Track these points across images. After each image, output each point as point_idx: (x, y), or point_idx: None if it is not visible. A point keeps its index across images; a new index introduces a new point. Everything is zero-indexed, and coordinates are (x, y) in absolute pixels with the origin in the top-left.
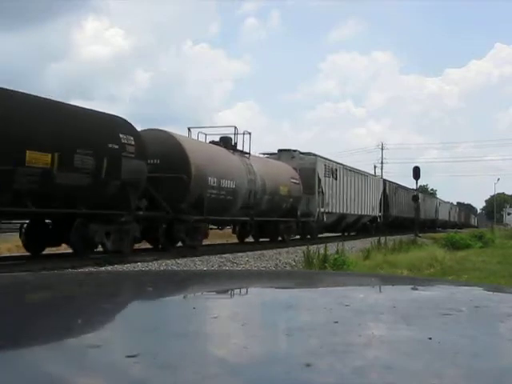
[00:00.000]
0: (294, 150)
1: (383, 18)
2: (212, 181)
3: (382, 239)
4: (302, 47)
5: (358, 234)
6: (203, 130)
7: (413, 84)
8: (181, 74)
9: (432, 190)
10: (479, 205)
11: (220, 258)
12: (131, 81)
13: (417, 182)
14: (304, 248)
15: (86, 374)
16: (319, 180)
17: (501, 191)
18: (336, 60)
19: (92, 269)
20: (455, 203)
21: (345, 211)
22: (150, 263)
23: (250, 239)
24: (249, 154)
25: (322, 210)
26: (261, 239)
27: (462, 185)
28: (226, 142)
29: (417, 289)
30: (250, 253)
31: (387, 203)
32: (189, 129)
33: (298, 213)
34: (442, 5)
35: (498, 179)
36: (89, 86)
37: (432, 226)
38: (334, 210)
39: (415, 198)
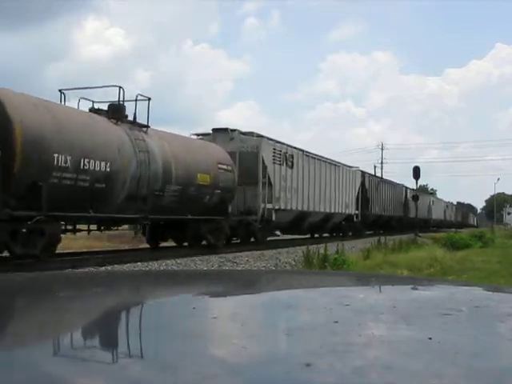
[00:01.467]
0: (233, 130)
1: (383, 18)
2: (62, 160)
3: (382, 239)
4: (302, 47)
5: (332, 237)
6: (89, 96)
7: (413, 84)
8: (181, 73)
9: (432, 189)
10: (479, 205)
11: (220, 257)
12: (131, 80)
13: (417, 182)
14: (304, 248)
15: (86, 374)
16: (265, 167)
17: (501, 191)
18: (336, 60)
19: (92, 269)
20: (455, 203)
21: (306, 208)
22: (150, 263)
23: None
24: (147, 127)
25: (270, 206)
26: (185, 243)
27: (461, 185)
28: (115, 111)
29: (417, 289)
30: (249, 253)
31: (367, 199)
32: (60, 91)
33: (230, 209)
34: (441, 5)
35: (498, 179)
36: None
37: (425, 225)
38: (288, 207)
39: (415, 198)
